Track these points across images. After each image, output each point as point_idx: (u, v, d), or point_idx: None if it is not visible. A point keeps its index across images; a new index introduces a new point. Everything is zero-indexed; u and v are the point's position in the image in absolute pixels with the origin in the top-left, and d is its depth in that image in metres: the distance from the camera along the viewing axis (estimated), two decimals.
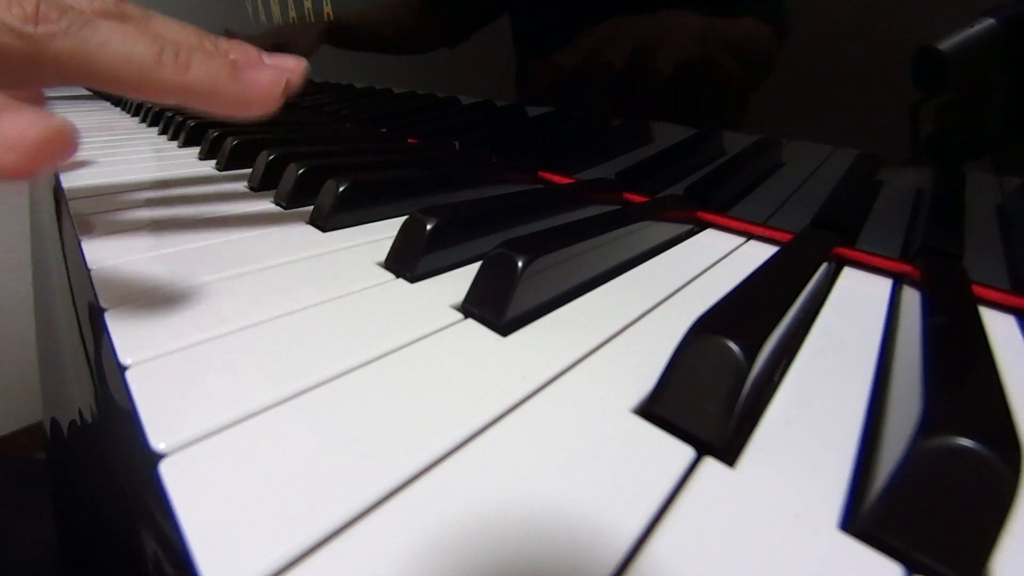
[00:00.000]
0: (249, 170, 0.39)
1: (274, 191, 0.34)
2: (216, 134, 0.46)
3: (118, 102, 0.79)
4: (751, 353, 0.13)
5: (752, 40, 0.27)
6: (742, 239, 0.30)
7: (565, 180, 0.38)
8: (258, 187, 0.36)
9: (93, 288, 0.20)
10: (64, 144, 0.16)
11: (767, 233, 0.29)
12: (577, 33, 0.35)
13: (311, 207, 0.30)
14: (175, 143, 0.55)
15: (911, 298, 0.21)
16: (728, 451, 0.13)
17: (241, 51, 0.24)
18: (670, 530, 0.11)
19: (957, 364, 0.13)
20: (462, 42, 0.44)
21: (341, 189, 0.28)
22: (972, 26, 0.20)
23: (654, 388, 0.14)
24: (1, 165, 0.14)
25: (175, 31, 0.23)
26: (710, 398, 0.13)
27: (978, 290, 0.22)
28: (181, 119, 0.56)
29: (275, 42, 0.72)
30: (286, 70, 0.24)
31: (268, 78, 0.22)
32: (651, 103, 0.32)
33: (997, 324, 0.21)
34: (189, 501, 0.11)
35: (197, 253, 0.23)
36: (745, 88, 0.28)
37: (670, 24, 0.30)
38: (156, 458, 0.12)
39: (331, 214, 0.28)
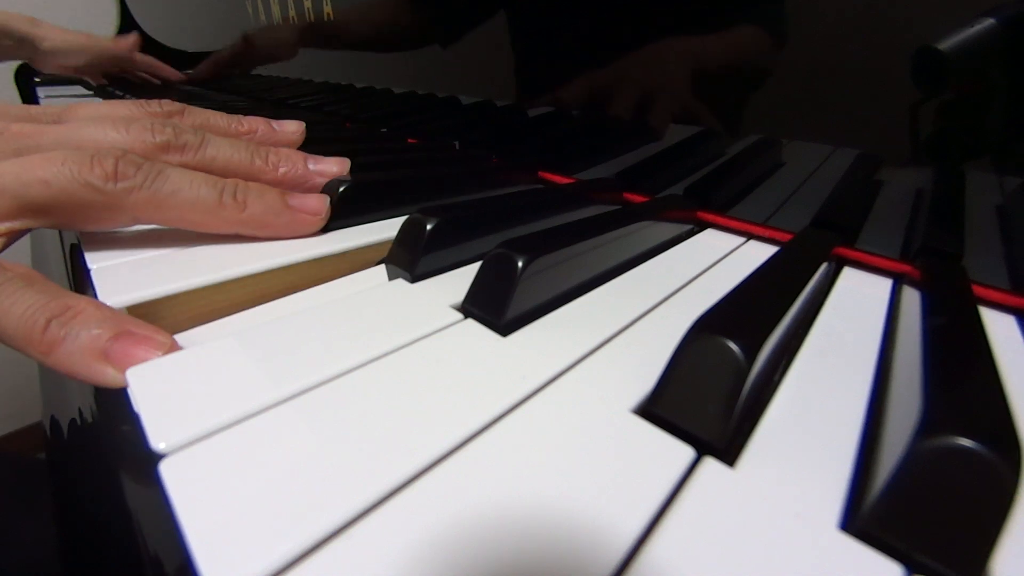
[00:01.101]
0: None
1: None
2: None
3: None
4: (751, 353, 0.13)
5: (752, 40, 0.27)
6: (742, 239, 0.30)
7: (565, 180, 0.38)
8: None
9: (93, 288, 0.20)
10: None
11: (767, 233, 0.29)
12: (576, 33, 0.35)
13: None
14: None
15: (911, 298, 0.21)
16: (728, 451, 0.13)
17: (289, 162, 0.28)
18: (670, 530, 0.11)
19: (957, 364, 0.13)
20: (454, 42, 0.44)
21: (341, 189, 0.28)
22: (972, 26, 0.20)
23: (654, 388, 0.14)
24: (112, 383, 0.15)
25: (228, 152, 0.26)
26: (710, 398, 0.13)
27: (978, 290, 0.22)
28: None
29: (256, 41, 0.72)
30: (332, 175, 0.28)
31: (314, 205, 0.25)
32: (651, 103, 0.32)
33: (997, 324, 0.21)
34: (189, 501, 0.11)
35: (197, 253, 0.23)
36: (745, 88, 0.28)
37: (669, 50, 0.30)
38: (156, 458, 0.12)
39: (331, 214, 0.28)
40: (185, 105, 0.30)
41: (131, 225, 0.22)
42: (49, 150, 0.20)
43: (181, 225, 0.22)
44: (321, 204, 0.25)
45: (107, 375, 0.15)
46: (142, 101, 0.29)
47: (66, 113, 0.26)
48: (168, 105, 0.29)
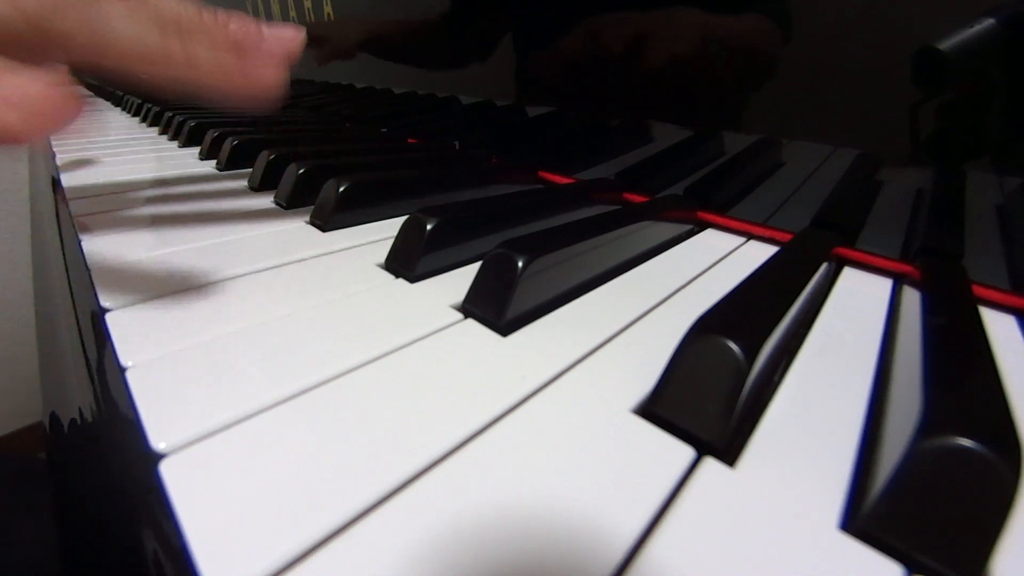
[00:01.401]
0: (249, 170, 0.39)
1: (274, 191, 0.34)
2: (216, 134, 0.46)
3: (118, 102, 0.79)
4: (751, 353, 0.13)
5: (752, 40, 0.27)
6: (742, 239, 0.30)
7: (565, 180, 0.38)
8: (258, 187, 0.36)
9: (93, 288, 0.20)
10: (67, 106, 0.16)
11: (767, 233, 0.29)
12: (576, 33, 0.35)
13: (311, 207, 0.30)
14: (175, 143, 0.55)
15: (911, 298, 0.21)
16: (728, 451, 0.13)
17: (241, 26, 0.24)
18: (670, 530, 0.11)
19: (957, 364, 0.13)
20: (490, 56, 0.43)
21: (341, 189, 0.28)
22: (972, 26, 0.20)
23: (654, 388, 0.14)
24: (1, 125, 0.14)
25: (176, 6, 0.23)
26: (710, 398, 0.13)
27: (978, 290, 0.22)
28: (181, 119, 0.56)
29: (314, 35, 0.71)
30: (287, 40, 0.24)
31: (270, 70, 0.22)
32: (651, 103, 0.32)
33: (997, 324, 0.21)
34: (189, 501, 0.11)
35: (197, 253, 0.23)
36: (745, 88, 0.28)
37: (669, 24, 0.30)
38: (156, 458, 0.12)
39: (331, 214, 0.28)
40: None
41: (63, 62, 0.20)
42: None
43: (124, 72, 0.20)
44: (277, 72, 0.23)
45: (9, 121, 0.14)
46: None
47: None
48: None
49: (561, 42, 0.36)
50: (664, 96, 0.31)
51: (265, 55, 0.23)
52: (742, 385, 0.13)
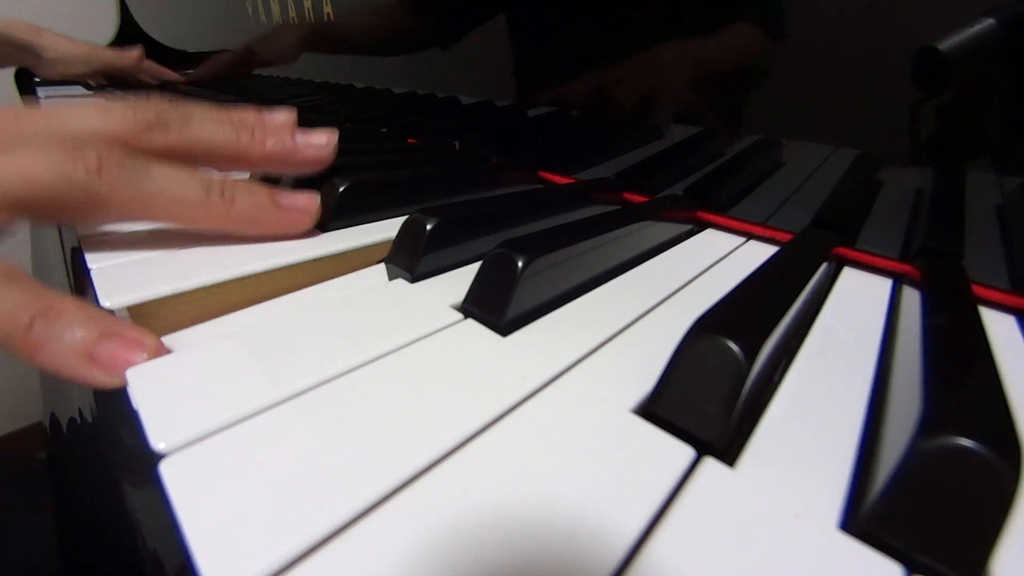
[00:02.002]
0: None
1: None
2: None
3: None
4: (751, 353, 0.13)
5: (752, 40, 0.27)
6: (742, 239, 0.30)
7: (565, 180, 0.38)
8: None
9: (93, 289, 0.20)
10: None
11: (767, 233, 0.29)
12: (576, 33, 0.35)
13: None
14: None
15: (911, 298, 0.21)
16: (728, 451, 0.13)
17: (275, 136, 0.27)
18: (670, 530, 0.11)
19: (957, 364, 0.13)
20: (454, 44, 0.44)
21: (341, 189, 0.28)
22: (972, 26, 0.20)
23: (654, 388, 0.14)
24: (98, 384, 0.15)
25: (211, 128, 0.25)
26: (710, 398, 0.13)
27: (978, 290, 0.22)
28: None
29: (257, 49, 0.72)
30: (320, 148, 0.27)
31: (303, 202, 0.25)
32: (652, 102, 0.32)
33: (997, 324, 0.21)
34: (189, 501, 0.11)
35: (197, 254, 0.23)
36: (745, 88, 0.28)
37: (668, 54, 0.30)
38: (156, 458, 0.12)
39: (331, 214, 0.28)
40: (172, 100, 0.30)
41: (119, 222, 0.22)
42: (31, 141, 0.20)
43: (169, 221, 0.22)
44: (311, 202, 0.25)
45: (94, 376, 0.15)
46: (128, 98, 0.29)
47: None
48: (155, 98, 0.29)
49: (560, 43, 0.36)
50: (664, 99, 0.32)
51: (299, 195, 0.25)
52: (742, 385, 0.13)
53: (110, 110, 0.23)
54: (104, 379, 0.15)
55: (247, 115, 0.30)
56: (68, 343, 0.15)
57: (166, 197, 0.21)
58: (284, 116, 0.31)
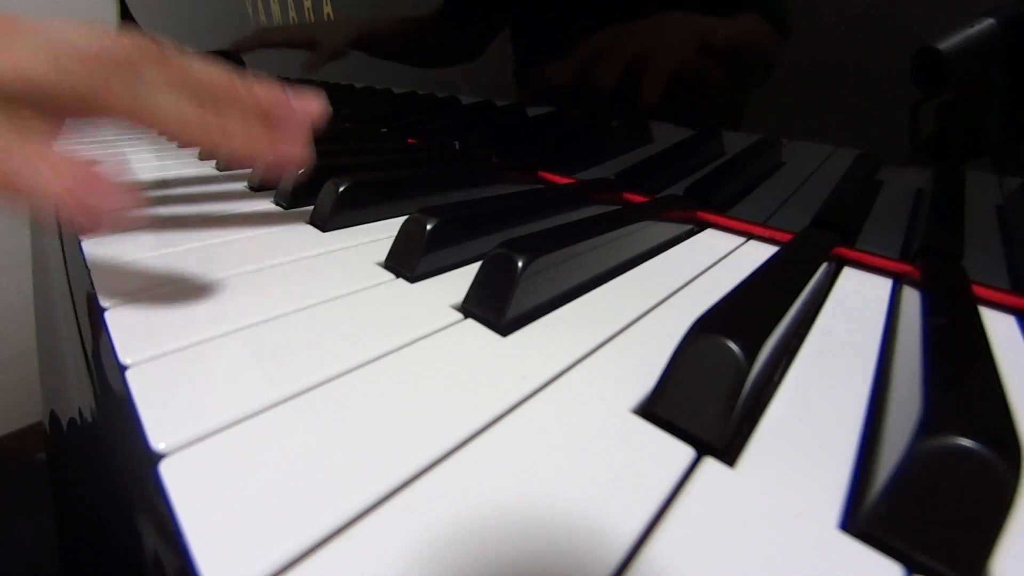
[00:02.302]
0: (249, 170, 0.39)
1: (274, 191, 0.34)
2: None
3: None
4: (751, 353, 0.13)
5: (751, 41, 0.27)
6: (742, 239, 0.30)
7: (565, 180, 0.38)
8: (258, 187, 0.36)
9: (93, 287, 0.20)
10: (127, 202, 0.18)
11: (767, 233, 0.29)
12: (576, 34, 0.35)
13: (311, 207, 0.30)
14: (175, 143, 0.55)
15: (911, 298, 0.21)
16: (728, 451, 0.13)
17: (270, 96, 0.26)
18: (670, 530, 0.11)
19: (957, 364, 0.13)
20: (482, 54, 0.43)
21: (341, 189, 0.28)
22: (972, 26, 0.20)
23: (654, 388, 0.14)
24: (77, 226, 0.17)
25: (209, 73, 0.25)
26: (710, 398, 0.13)
27: (978, 290, 0.22)
28: None
29: (302, 38, 0.72)
30: (310, 112, 0.27)
31: (295, 146, 0.25)
32: (651, 104, 0.32)
33: (997, 324, 0.21)
34: (189, 501, 0.11)
35: (197, 253, 0.23)
36: (745, 88, 0.28)
37: (668, 24, 0.30)
38: (156, 458, 0.12)
39: (331, 214, 0.28)
40: None
41: (110, 121, 0.22)
42: (27, 40, 0.19)
43: (162, 133, 0.22)
44: (301, 147, 0.25)
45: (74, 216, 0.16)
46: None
47: None
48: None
49: (560, 44, 0.36)
50: (664, 97, 0.31)
51: (292, 128, 0.25)
52: (742, 385, 0.13)
53: (107, 33, 0.22)
54: (84, 221, 0.16)
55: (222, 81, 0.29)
56: (46, 183, 0.16)
57: (161, 110, 0.21)
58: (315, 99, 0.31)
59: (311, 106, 0.27)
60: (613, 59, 0.33)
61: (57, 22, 0.21)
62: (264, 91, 0.26)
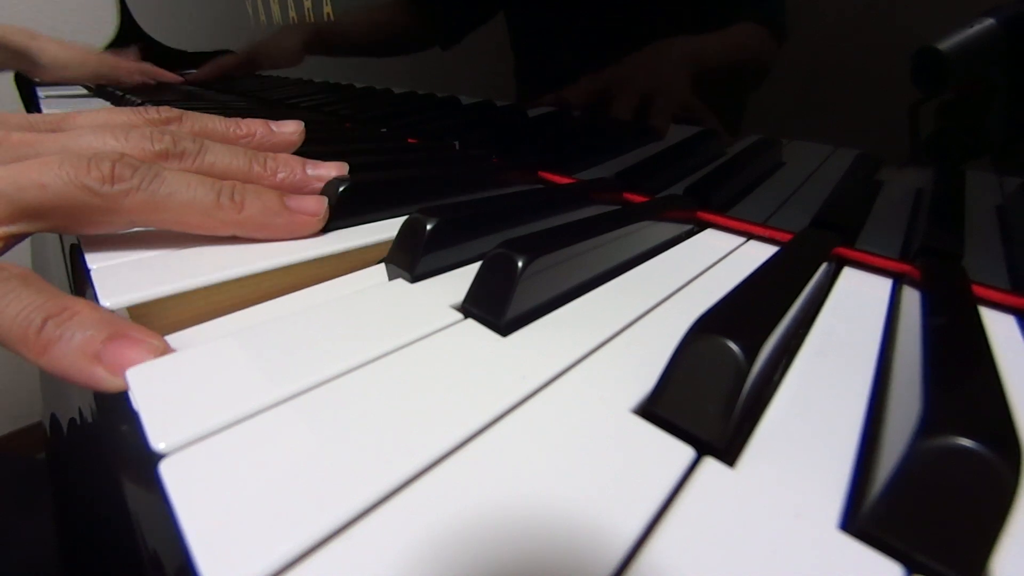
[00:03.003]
0: None
1: None
2: None
3: (118, 102, 0.79)
4: (751, 353, 0.13)
5: (751, 40, 0.27)
6: (742, 239, 0.30)
7: (565, 180, 0.38)
8: None
9: (94, 288, 0.20)
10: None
11: (767, 233, 0.29)
12: (575, 34, 0.35)
13: None
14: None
15: (911, 298, 0.21)
16: (728, 451, 0.13)
17: (287, 168, 0.28)
18: (670, 530, 0.11)
19: (957, 364, 0.13)
20: (455, 44, 0.44)
21: (341, 189, 0.28)
22: (972, 26, 0.20)
23: (654, 388, 0.14)
24: (104, 387, 0.15)
25: (226, 159, 0.26)
26: (710, 398, 0.13)
27: (978, 290, 0.22)
28: None
29: (261, 51, 0.73)
30: (328, 180, 0.28)
31: (312, 206, 0.25)
32: (651, 102, 0.32)
33: (997, 324, 0.21)
34: (189, 501, 0.11)
35: (197, 253, 0.23)
36: (746, 88, 0.28)
37: (669, 47, 0.30)
38: (156, 458, 0.12)
39: (331, 214, 0.28)
40: (183, 111, 0.30)
41: (128, 228, 0.22)
42: (46, 153, 0.20)
43: (179, 228, 0.22)
44: (319, 205, 0.25)
45: (100, 377, 0.15)
46: (140, 108, 0.29)
47: (65, 122, 0.27)
48: (166, 111, 0.30)
49: (559, 44, 0.36)
50: (664, 99, 0.32)
51: (306, 199, 0.25)
52: (742, 385, 0.13)
53: (128, 132, 0.24)
54: (109, 381, 0.15)
55: (254, 126, 0.30)
56: (77, 342, 0.15)
57: (177, 201, 0.21)
58: (293, 127, 0.32)
59: (331, 175, 0.28)
60: (614, 88, 0.33)
61: (82, 127, 0.23)
62: (284, 170, 0.27)
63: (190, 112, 0.31)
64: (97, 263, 0.21)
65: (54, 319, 0.16)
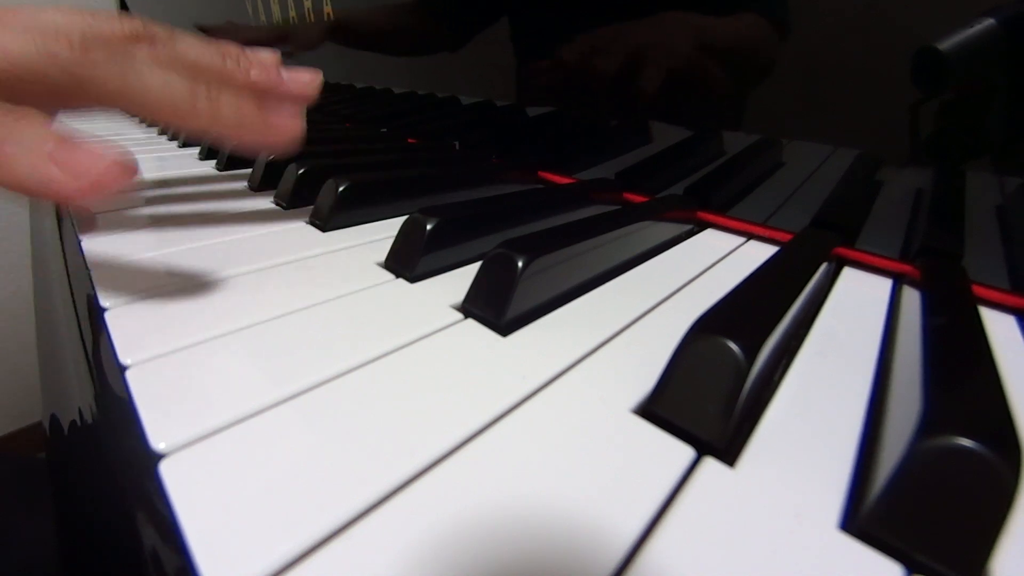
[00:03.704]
0: (249, 170, 0.39)
1: (274, 191, 0.34)
2: None
3: None
4: (751, 353, 0.13)
5: (751, 40, 0.27)
6: (742, 239, 0.30)
7: (565, 180, 0.38)
8: (258, 187, 0.36)
9: (93, 287, 0.20)
10: (118, 175, 0.17)
11: (767, 233, 0.29)
12: (576, 34, 0.35)
13: (311, 207, 0.30)
14: (175, 143, 0.55)
15: (911, 298, 0.21)
16: (728, 451, 0.13)
17: (260, 68, 0.26)
18: (670, 530, 0.11)
19: (957, 364, 0.13)
20: (463, 46, 0.44)
21: (341, 189, 0.28)
22: (972, 26, 0.20)
23: (654, 388, 0.14)
24: (63, 190, 0.15)
25: (198, 49, 0.24)
26: (710, 398, 0.13)
27: (978, 290, 0.22)
28: None
29: (279, 38, 0.72)
30: (304, 84, 0.26)
31: (288, 114, 0.24)
32: (650, 103, 0.32)
33: (997, 324, 0.21)
34: (189, 501, 0.11)
35: (197, 253, 0.23)
36: (745, 88, 0.28)
37: (668, 24, 0.30)
38: (156, 458, 0.12)
39: (331, 214, 0.28)
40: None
41: (93, 108, 0.22)
42: (12, 26, 0.19)
43: (148, 118, 0.22)
44: (295, 119, 0.24)
45: (56, 176, 0.15)
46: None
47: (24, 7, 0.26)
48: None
49: (560, 43, 0.36)
50: (664, 96, 0.31)
51: (284, 105, 0.24)
52: (742, 385, 0.13)
53: (95, 15, 0.22)
54: (67, 181, 0.15)
55: (231, 47, 0.29)
56: (29, 143, 0.15)
57: (151, 92, 0.20)
58: (268, 53, 0.30)
59: (304, 81, 0.27)
60: (612, 57, 0.33)
61: (46, 8, 0.21)
62: (256, 68, 0.25)
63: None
64: (98, 263, 0.21)
65: (4, 126, 0.16)
